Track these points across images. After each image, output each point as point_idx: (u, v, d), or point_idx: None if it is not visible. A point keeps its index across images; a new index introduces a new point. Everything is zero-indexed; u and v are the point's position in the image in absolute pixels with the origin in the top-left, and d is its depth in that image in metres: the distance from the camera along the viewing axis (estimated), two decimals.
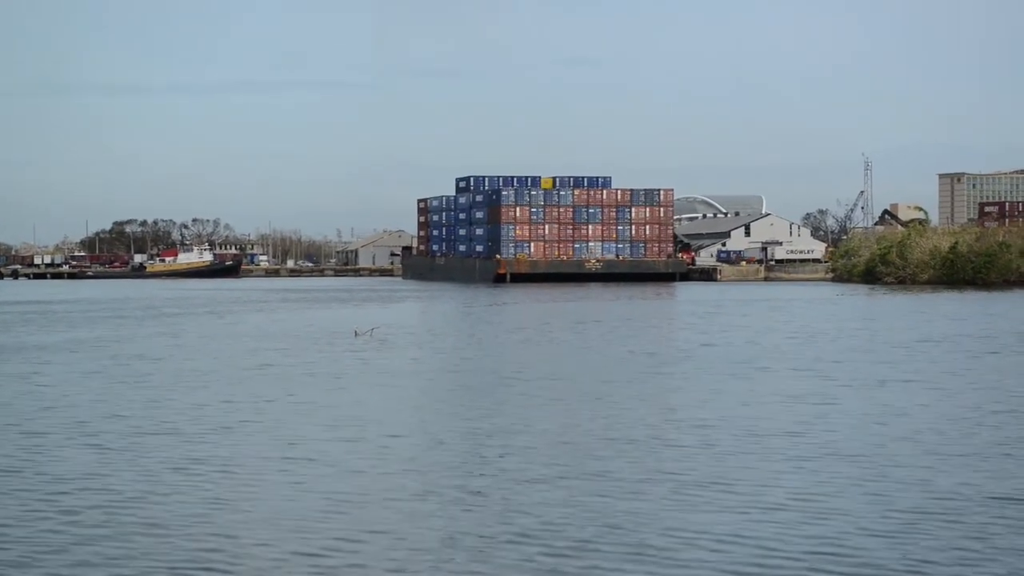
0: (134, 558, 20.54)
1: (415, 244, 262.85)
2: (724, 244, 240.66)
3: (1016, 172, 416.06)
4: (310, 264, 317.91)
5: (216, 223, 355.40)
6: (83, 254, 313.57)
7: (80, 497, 25.23)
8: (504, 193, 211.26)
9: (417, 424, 35.53)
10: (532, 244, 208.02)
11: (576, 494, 25.16)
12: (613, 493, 25.25)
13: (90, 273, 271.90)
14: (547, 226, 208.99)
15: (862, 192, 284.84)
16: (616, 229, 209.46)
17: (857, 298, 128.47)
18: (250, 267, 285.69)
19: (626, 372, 50.13)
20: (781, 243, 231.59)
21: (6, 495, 25.54)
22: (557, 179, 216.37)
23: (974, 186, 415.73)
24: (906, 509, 23.58)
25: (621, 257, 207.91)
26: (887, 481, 26.29)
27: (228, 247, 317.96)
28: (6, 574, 19.78)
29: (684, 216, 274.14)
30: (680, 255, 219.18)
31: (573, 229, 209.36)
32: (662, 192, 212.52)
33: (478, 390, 44.48)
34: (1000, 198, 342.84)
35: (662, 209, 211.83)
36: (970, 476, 26.83)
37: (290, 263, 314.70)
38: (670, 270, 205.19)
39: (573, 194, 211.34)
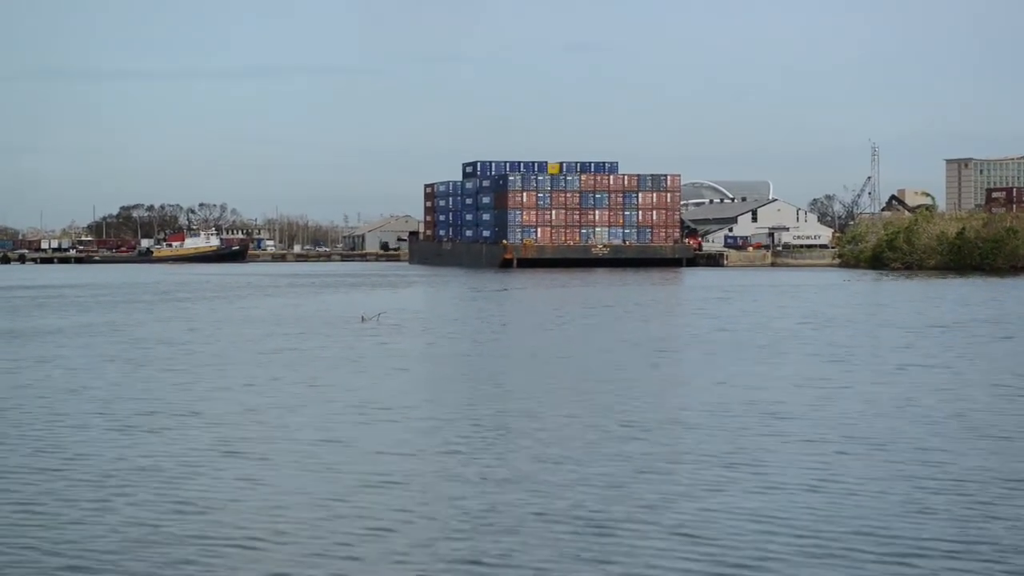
0: (167, 538, 20.81)
1: (422, 229, 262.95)
2: (731, 229, 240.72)
3: (1023, 158, 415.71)
4: (325, 248, 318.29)
5: (223, 208, 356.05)
6: (90, 239, 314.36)
7: (110, 478, 25.50)
8: (511, 178, 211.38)
9: (438, 407, 35.77)
10: (539, 229, 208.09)
11: (602, 475, 25.43)
12: (639, 474, 25.53)
13: (97, 258, 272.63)
14: (554, 211, 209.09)
15: (869, 178, 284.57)
16: (623, 214, 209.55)
17: (865, 284, 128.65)
18: (257, 252, 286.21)
19: (643, 356, 50.43)
20: (788, 228, 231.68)
21: (36, 474, 25.82)
22: (564, 164, 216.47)
23: (981, 172, 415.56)
24: (927, 489, 23.85)
25: (628, 242, 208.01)
26: (906, 463, 26.55)
27: (235, 232, 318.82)
28: (39, 556, 20.03)
29: (691, 201, 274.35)
30: (687, 240, 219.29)
31: (580, 214, 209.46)
32: (669, 177, 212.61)
33: (496, 374, 44.72)
34: (1007, 184, 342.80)
35: (669, 194, 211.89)
36: (989, 457, 27.10)
37: (297, 248, 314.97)
38: (677, 255, 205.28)
39: (580, 179, 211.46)
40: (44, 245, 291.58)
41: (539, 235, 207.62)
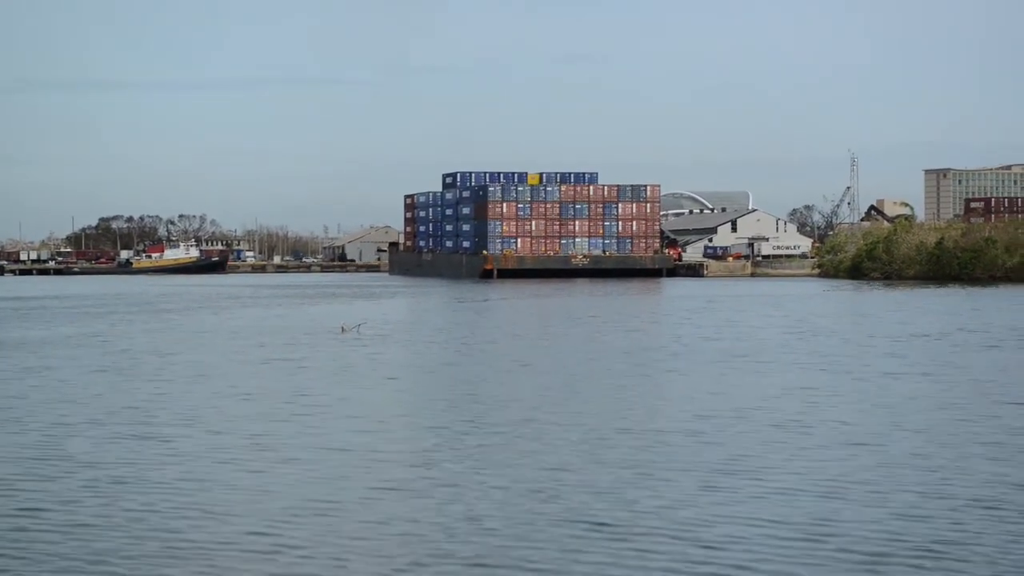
0: (178, 545, 21.07)
1: (402, 240, 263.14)
2: (711, 240, 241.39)
3: (1001, 168, 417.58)
4: (306, 259, 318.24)
5: (202, 219, 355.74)
6: (69, 250, 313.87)
7: (116, 487, 25.77)
8: (491, 189, 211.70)
9: (434, 416, 35.99)
10: (519, 240, 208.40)
11: (607, 482, 25.75)
12: (642, 481, 25.85)
13: (76, 269, 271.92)
14: (534, 222, 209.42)
15: (848, 188, 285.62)
16: (603, 225, 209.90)
17: (845, 293, 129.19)
18: (236, 263, 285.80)
19: (635, 366, 50.75)
20: (767, 239, 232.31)
21: (43, 482, 26.03)
22: (544, 175, 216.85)
23: (960, 182, 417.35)
24: (925, 494, 24.25)
25: (608, 253, 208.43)
26: (902, 468, 26.95)
27: (214, 243, 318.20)
28: (59, 563, 20.26)
29: (671, 212, 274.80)
30: (667, 251, 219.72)
31: (560, 225, 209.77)
32: (648, 188, 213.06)
33: (490, 385, 45.03)
34: (986, 194, 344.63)
35: (648, 205, 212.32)
36: (984, 462, 27.47)
37: (277, 259, 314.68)
38: (657, 266, 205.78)
39: (560, 190, 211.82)
40: (23, 256, 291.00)
41: (519, 245, 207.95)
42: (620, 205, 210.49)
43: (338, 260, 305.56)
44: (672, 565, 19.69)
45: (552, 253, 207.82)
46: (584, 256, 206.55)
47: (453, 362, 53.59)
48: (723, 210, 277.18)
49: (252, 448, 30.31)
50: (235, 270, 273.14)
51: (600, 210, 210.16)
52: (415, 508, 23.64)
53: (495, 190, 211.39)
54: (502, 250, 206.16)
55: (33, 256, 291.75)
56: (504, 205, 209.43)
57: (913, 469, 26.98)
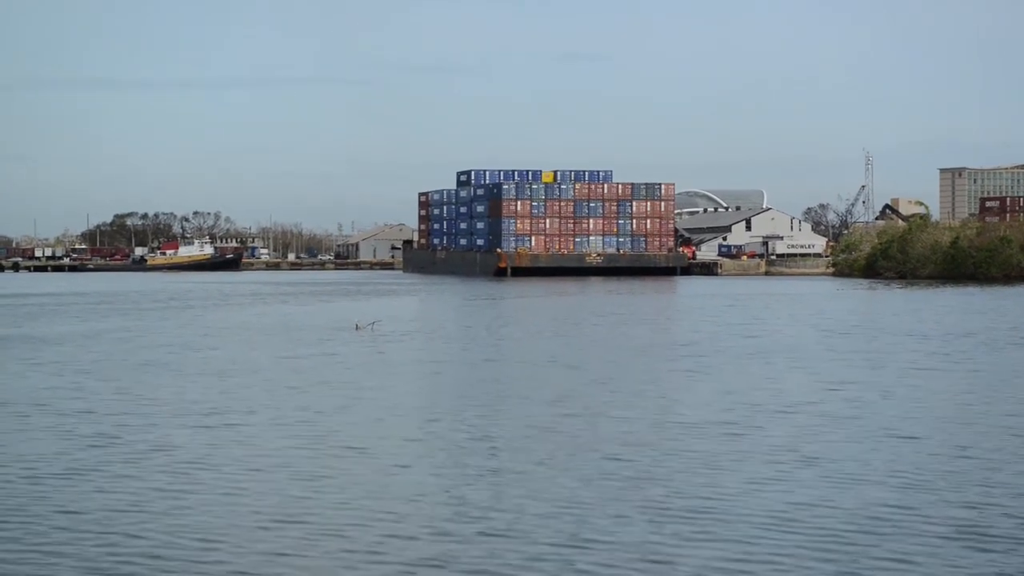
0: (246, 527, 21.78)
1: (416, 238, 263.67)
2: (725, 238, 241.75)
3: (1016, 167, 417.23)
4: (320, 257, 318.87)
5: (217, 216, 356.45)
6: (84, 247, 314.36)
7: (187, 470, 26.48)
8: (505, 187, 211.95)
9: (487, 410, 36.57)
10: (533, 238, 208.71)
11: (660, 470, 26.36)
12: (699, 469, 26.50)
13: (91, 266, 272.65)
14: (548, 220, 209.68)
15: (863, 187, 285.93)
16: (617, 223, 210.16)
17: (862, 292, 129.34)
18: (251, 260, 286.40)
19: (674, 363, 51.32)
20: (782, 237, 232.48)
21: (113, 465, 26.67)
22: (558, 173, 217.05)
23: (975, 181, 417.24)
24: (987, 488, 24.89)
25: (622, 251, 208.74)
26: (960, 460, 27.62)
27: (229, 240, 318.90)
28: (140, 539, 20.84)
29: (685, 210, 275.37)
30: (681, 249, 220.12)
31: (574, 223, 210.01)
32: (663, 186, 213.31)
33: (533, 380, 45.53)
34: (1001, 193, 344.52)
35: (663, 203, 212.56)
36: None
37: (291, 256, 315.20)
38: (671, 264, 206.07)
39: (574, 188, 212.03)
40: (38, 253, 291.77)
41: (533, 244, 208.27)
42: (634, 203, 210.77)
43: (352, 258, 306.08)
44: (760, 548, 20.25)
45: (566, 251, 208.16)
46: (598, 254, 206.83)
47: (493, 359, 54.06)
48: (737, 209, 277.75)
49: (319, 438, 31.00)
50: (249, 267, 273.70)
51: (614, 208, 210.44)
52: (485, 497, 24.30)
53: (509, 188, 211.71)
54: (516, 248, 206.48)
55: (48, 253, 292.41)
56: (518, 203, 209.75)
57: (972, 463, 27.64)
